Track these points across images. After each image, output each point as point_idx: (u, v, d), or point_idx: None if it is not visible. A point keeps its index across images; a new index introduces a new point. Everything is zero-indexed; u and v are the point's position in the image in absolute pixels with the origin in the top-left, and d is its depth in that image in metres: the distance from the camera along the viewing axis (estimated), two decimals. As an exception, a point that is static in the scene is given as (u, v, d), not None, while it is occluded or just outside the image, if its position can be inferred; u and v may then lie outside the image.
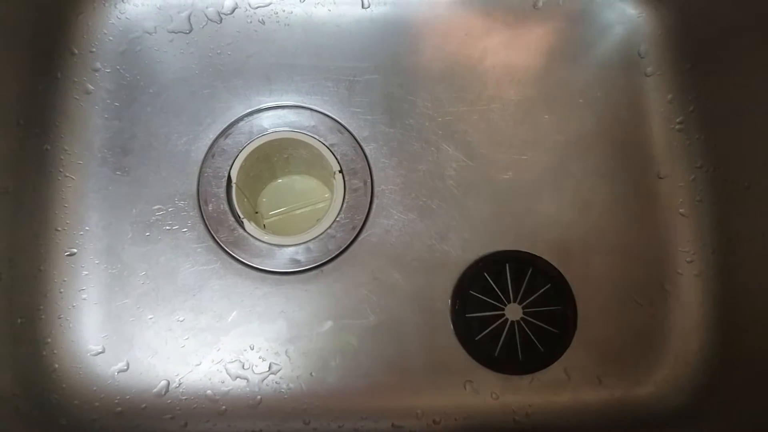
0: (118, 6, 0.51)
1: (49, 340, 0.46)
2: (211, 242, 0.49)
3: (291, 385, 0.47)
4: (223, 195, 0.50)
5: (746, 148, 0.48)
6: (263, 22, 0.53)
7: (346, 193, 0.50)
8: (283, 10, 0.53)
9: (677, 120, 0.52)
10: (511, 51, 0.54)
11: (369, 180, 0.51)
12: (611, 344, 0.49)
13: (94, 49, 0.51)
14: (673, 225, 0.51)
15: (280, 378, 0.47)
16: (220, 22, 0.52)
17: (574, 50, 0.54)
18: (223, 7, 0.52)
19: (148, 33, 0.52)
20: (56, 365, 0.46)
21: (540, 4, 0.54)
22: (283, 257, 0.49)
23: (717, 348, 0.49)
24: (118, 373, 0.47)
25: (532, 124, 0.52)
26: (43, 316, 0.47)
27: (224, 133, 0.51)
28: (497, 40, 0.54)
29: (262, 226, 0.55)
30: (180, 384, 0.47)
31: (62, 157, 0.49)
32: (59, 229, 0.48)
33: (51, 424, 0.45)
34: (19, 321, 0.46)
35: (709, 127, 0.51)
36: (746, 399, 0.46)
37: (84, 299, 0.47)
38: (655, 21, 0.54)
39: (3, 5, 0.44)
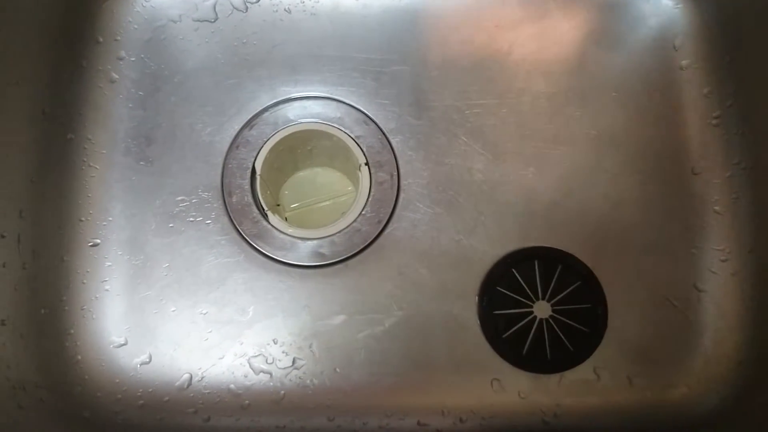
0: (142, -6, 0.51)
1: (72, 331, 0.46)
2: (234, 234, 0.48)
3: (315, 381, 0.47)
4: (248, 187, 0.49)
5: (786, 144, 0.46)
6: (289, 11, 0.52)
7: (372, 186, 0.50)
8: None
9: (714, 115, 0.51)
10: (542, 43, 0.52)
11: (395, 173, 0.50)
12: (642, 344, 0.48)
13: (118, 38, 0.50)
14: (708, 223, 0.50)
15: (304, 373, 0.47)
16: (246, 11, 0.52)
17: (607, 42, 0.53)
18: (248, -4, 0.51)
19: (173, 21, 0.51)
20: (79, 357, 0.46)
21: (572, -6, 0.53)
22: (308, 250, 0.48)
23: (752, 350, 0.48)
24: (140, 365, 0.46)
25: (563, 117, 0.51)
26: (66, 307, 0.46)
27: (249, 123, 0.50)
28: (528, 32, 0.52)
29: (284, 218, 0.54)
30: (203, 378, 0.46)
31: (86, 146, 0.48)
32: (82, 219, 0.47)
33: (74, 416, 0.44)
34: (42, 312, 0.45)
35: (747, 123, 0.49)
36: (781, 403, 0.45)
37: (107, 290, 0.47)
38: (691, 12, 0.52)
39: (28, -7, 0.44)
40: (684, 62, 0.52)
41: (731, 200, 0.50)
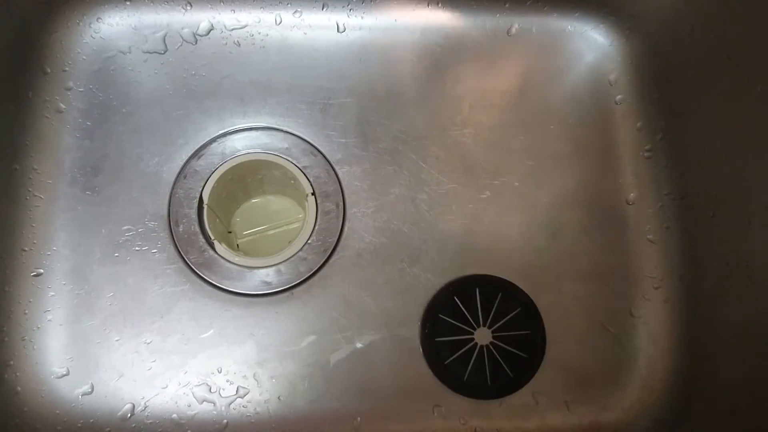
0: (92, 25, 0.51)
1: (12, 362, 0.46)
2: (181, 263, 0.49)
3: (258, 409, 0.47)
4: (195, 216, 0.50)
5: (713, 176, 0.49)
6: (239, 44, 0.53)
7: (318, 215, 0.51)
8: (259, 33, 0.53)
9: (646, 148, 0.53)
10: (485, 77, 0.54)
11: (341, 203, 0.51)
12: (579, 369, 0.50)
13: (66, 68, 0.51)
14: (642, 251, 0.52)
15: (248, 402, 0.47)
16: (195, 43, 0.52)
17: (547, 77, 0.55)
18: (198, 29, 0.52)
19: (123, 53, 0.52)
20: (19, 388, 0.45)
21: (513, 31, 0.55)
22: (254, 279, 0.49)
23: (684, 375, 0.50)
24: (82, 396, 0.46)
25: (505, 149, 0.53)
26: (6, 338, 0.46)
27: (197, 154, 0.51)
28: (471, 66, 0.54)
29: (236, 246, 0.55)
30: (146, 407, 0.46)
31: (31, 176, 0.48)
32: (26, 249, 0.47)
33: (11, 449, 0.44)
34: (-19, 342, 0.45)
35: (677, 156, 0.52)
36: (712, 425, 0.46)
37: (49, 320, 0.47)
38: (625, 50, 0.55)
39: (-26, 24, 0.44)
40: (618, 97, 0.54)
41: (663, 229, 0.52)
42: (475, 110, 0.53)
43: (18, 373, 0.46)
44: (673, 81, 0.52)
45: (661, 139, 0.53)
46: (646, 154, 0.53)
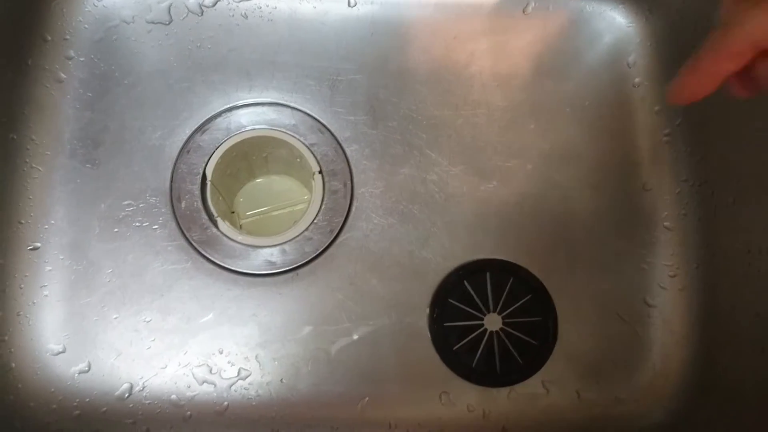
0: (95, -7, 0.50)
1: (6, 337, 0.44)
2: (182, 241, 0.47)
3: (260, 392, 0.45)
4: (198, 192, 0.48)
5: (733, 162, 0.47)
6: (246, 17, 0.51)
7: (325, 194, 0.49)
8: (267, 5, 0.51)
9: (664, 132, 0.51)
10: (499, 56, 0.53)
11: (349, 182, 0.49)
12: (591, 358, 0.48)
13: (68, 37, 0.49)
14: (658, 238, 0.50)
15: (249, 384, 0.46)
16: (201, 14, 0.51)
17: (563, 58, 0.53)
18: (204, 0, 0.51)
19: (126, 22, 0.50)
20: (13, 364, 0.44)
21: (530, 9, 0.53)
22: (257, 259, 0.47)
23: (698, 365, 0.48)
24: (78, 374, 0.45)
25: (518, 131, 0.51)
26: (0, 313, 0.44)
27: (201, 128, 0.49)
28: (485, 45, 0.52)
29: (239, 226, 0.53)
30: (144, 387, 0.45)
31: (29, 147, 0.47)
32: (22, 222, 0.46)
33: (4, 427, 0.42)
34: (-26, 317, 0.44)
35: (696, 141, 0.50)
36: (726, 418, 0.45)
37: (46, 296, 0.45)
38: (644, 31, 0.53)
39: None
40: (637, 79, 0.53)
41: (680, 216, 0.50)
42: (489, 90, 0.52)
43: (12, 349, 0.44)
44: (693, 63, 0.50)
45: (680, 124, 0.51)
46: (665, 138, 0.51)
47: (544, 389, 0.47)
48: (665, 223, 0.50)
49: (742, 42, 0.28)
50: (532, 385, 0.47)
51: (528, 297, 0.48)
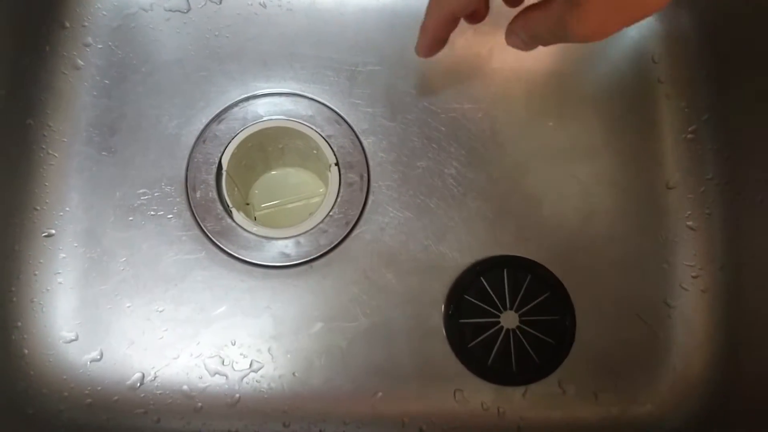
0: (114, -20, 0.49)
1: (20, 324, 0.44)
2: (197, 231, 0.47)
3: (272, 385, 0.45)
4: (213, 182, 0.48)
5: (761, 161, 0.46)
6: (265, 6, 0.51)
7: (341, 187, 0.48)
8: (286, -6, 0.51)
9: (690, 129, 0.50)
10: (521, 51, 0.52)
11: (366, 174, 0.49)
12: (609, 359, 0.47)
13: (86, 23, 0.49)
14: (681, 238, 0.49)
15: (261, 376, 0.45)
16: (220, 3, 0.50)
17: (585, 53, 0.52)
18: (223, -12, 0.50)
19: (144, 10, 0.50)
20: (26, 351, 0.44)
21: (552, 2, 0.52)
22: (272, 250, 0.47)
23: (720, 369, 0.47)
24: (90, 362, 0.44)
25: (539, 126, 0.50)
26: (14, 299, 0.44)
27: (217, 118, 0.49)
28: (506, 38, 0.51)
29: (253, 218, 0.53)
30: (155, 377, 0.44)
31: (45, 133, 0.47)
32: (38, 208, 0.46)
33: (16, 413, 0.42)
34: (-12, 302, 0.44)
35: (722, 138, 0.49)
36: (748, 423, 0.44)
37: (59, 283, 0.45)
38: (671, 26, 0.52)
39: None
40: (662, 75, 0.51)
41: (704, 216, 0.49)
42: (510, 84, 0.51)
43: (26, 336, 0.44)
44: (721, 58, 0.49)
45: (707, 120, 0.50)
46: (690, 135, 0.50)
47: (560, 389, 0.46)
48: (688, 223, 0.49)
49: (445, 12, 0.38)
50: (549, 384, 0.46)
51: (546, 295, 0.47)
